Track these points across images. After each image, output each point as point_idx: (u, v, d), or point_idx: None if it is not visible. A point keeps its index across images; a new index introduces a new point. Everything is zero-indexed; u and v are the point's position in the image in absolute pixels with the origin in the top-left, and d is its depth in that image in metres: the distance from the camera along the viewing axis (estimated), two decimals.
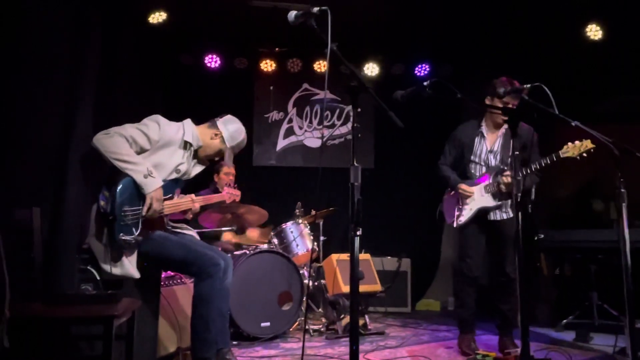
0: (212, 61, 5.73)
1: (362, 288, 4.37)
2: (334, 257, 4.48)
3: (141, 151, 2.57)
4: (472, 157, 3.38)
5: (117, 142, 2.45)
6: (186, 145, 2.74)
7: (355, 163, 1.82)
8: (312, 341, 3.78)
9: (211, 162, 3.00)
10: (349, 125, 5.84)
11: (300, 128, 6.12)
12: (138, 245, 2.52)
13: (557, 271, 4.61)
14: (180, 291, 3.28)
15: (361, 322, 4.05)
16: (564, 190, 5.30)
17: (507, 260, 3.28)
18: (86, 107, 2.94)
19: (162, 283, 3.02)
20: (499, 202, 3.27)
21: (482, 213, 3.32)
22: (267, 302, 3.81)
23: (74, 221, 2.54)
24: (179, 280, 3.34)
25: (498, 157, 3.34)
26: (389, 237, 5.63)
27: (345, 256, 4.24)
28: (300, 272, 4.02)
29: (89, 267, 2.46)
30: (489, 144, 3.37)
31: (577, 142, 2.95)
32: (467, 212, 3.33)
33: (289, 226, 4.30)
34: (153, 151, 2.61)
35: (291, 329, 3.98)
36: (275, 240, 4.29)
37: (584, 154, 2.93)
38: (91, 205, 2.50)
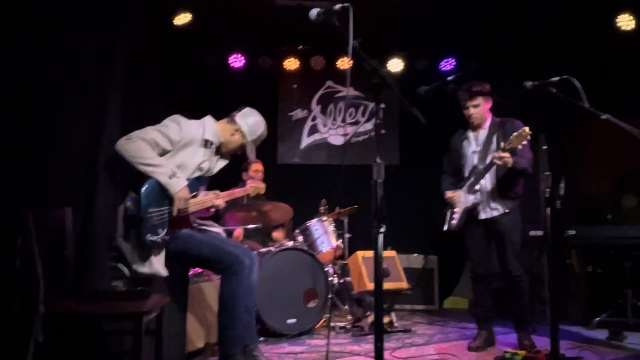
0: (237, 61, 5.78)
1: (388, 285, 4.36)
2: (360, 254, 4.48)
3: (163, 152, 2.61)
4: (462, 161, 3.48)
5: (140, 147, 2.49)
6: (207, 143, 2.76)
7: (378, 160, 1.81)
8: (338, 338, 3.78)
9: (235, 157, 3.02)
10: (374, 121, 5.82)
11: (324, 126, 6.12)
12: (166, 244, 2.57)
13: (590, 268, 4.49)
14: (207, 288, 3.33)
15: (387, 319, 4.04)
16: (596, 185, 5.17)
17: (506, 257, 3.29)
18: (114, 110, 3.00)
19: (189, 280, 3.07)
20: (476, 201, 3.34)
21: (472, 213, 3.38)
22: (293, 299, 3.83)
23: (105, 220, 2.59)
24: (206, 277, 3.39)
25: (479, 155, 3.38)
26: (415, 234, 5.58)
27: (370, 253, 4.20)
28: (325, 269, 4.02)
29: (118, 265, 2.52)
30: (474, 144, 3.45)
31: (516, 133, 3.02)
32: (457, 216, 3.42)
33: (314, 223, 4.31)
34: (175, 151, 2.65)
35: (317, 326, 4.00)
36: (300, 238, 4.31)
37: (524, 142, 2.99)
38: (122, 203, 2.55)
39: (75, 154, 2.57)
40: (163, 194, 2.55)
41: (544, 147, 2.27)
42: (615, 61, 4.77)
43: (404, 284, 4.51)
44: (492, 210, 3.34)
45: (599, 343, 3.55)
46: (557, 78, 2.43)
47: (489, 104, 3.42)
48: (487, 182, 3.34)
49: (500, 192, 3.32)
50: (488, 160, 3.25)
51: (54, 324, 2.04)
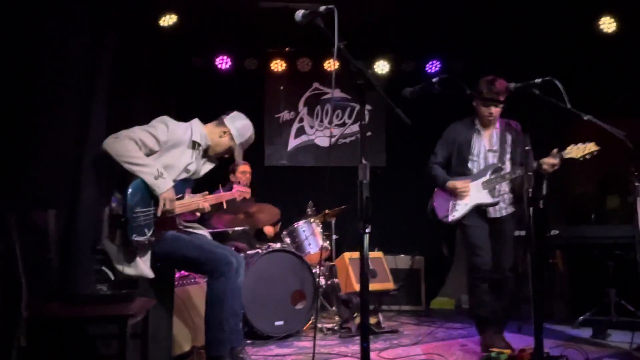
0: (223, 62, 5.78)
1: (375, 286, 4.38)
2: (347, 255, 4.49)
3: (150, 153, 2.59)
4: (470, 156, 3.37)
5: (127, 146, 2.48)
6: (194, 145, 2.76)
7: (363, 161, 1.82)
8: (326, 340, 3.78)
9: (221, 161, 3.02)
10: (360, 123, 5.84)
11: (312, 127, 6.13)
12: (151, 245, 2.56)
13: (574, 267, 4.55)
14: (194, 290, 3.31)
15: (375, 320, 4.05)
16: (580, 186, 5.24)
17: (503, 256, 3.27)
18: (100, 111, 2.98)
19: (176, 283, 3.05)
20: (496, 199, 3.28)
21: (481, 210, 3.31)
22: (280, 301, 3.82)
23: (89, 223, 2.57)
24: (192, 280, 3.37)
25: (497, 155, 3.34)
26: (402, 235, 5.62)
27: (357, 254, 4.20)
28: (313, 270, 4.03)
29: (103, 268, 2.50)
30: (487, 142, 3.38)
31: (580, 145, 2.95)
32: (461, 208, 3.29)
33: (301, 225, 4.31)
34: (162, 152, 2.63)
35: (305, 328, 3.99)
36: (288, 240, 4.30)
37: (587, 156, 2.94)
38: (105, 205, 2.54)
39: (58, 156, 2.55)
40: (149, 195, 2.53)
41: (527, 148, 2.30)
42: (597, 63, 4.85)
43: (390, 285, 4.53)
44: (503, 210, 3.32)
45: (583, 341, 3.59)
46: (540, 80, 2.46)
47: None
48: (504, 184, 3.29)
49: (512, 195, 3.32)
50: (513, 168, 3.22)
51: (38, 328, 2.01)
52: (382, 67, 5.87)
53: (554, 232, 4.26)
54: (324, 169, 5.86)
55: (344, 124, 6.13)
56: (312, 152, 6.11)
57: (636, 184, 2.52)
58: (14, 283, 1.93)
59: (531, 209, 2.17)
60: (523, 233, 3.97)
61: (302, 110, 6.13)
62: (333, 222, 4.73)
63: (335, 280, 4.33)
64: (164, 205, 2.54)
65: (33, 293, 2.01)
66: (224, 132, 2.86)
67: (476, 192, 3.28)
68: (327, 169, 5.27)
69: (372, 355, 3.25)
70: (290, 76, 6.02)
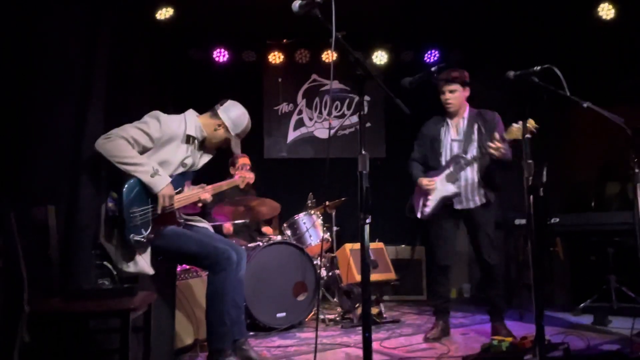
0: (220, 55, 5.75)
1: (376, 277, 4.39)
2: (347, 246, 4.50)
3: (144, 150, 2.55)
4: (440, 149, 3.43)
5: (119, 145, 2.43)
6: (189, 139, 2.71)
7: (362, 151, 1.82)
8: (328, 330, 3.80)
9: (220, 151, 2.97)
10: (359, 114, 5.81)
11: (310, 119, 6.11)
12: (150, 243, 2.54)
13: (574, 255, 4.56)
14: (196, 284, 3.32)
15: (376, 310, 4.06)
16: (580, 173, 5.24)
17: (482, 247, 3.32)
18: (97, 106, 2.97)
19: (177, 276, 3.05)
20: (458, 190, 3.31)
21: (447, 202, 3.36)
22: (282, 293, 3.83)
23: (89, 218, 2.56)
24: (194, 274, 3.38)
25: (461, 144, 3.37)
26: (403, 226, 5.61)
27: (358, 246, 4.23)
28: (314, 262, 4.04)
29: (104, 263, 2.50)
30: (454, 132, 3.42)
31: (520, 123, 2.89)
32: (431, 203, 3.37)
33: (302, 217, 4.32)
34: (156, 149, 2.59)
35: (307, 319, 4.01)
36: (288, 232, 4.31)
37: (528, 135, 2.90)
38: (105, 202, 2.53)
39: (57, 151, 2.54)
40: (145, 193, 2.50)
41: (527, 136, 2.29)
42: (596, 50, 4.83)
43: (392, 275, 4.54)
44: (470, 201, 3.34)
45: (585, 328, 3.61)
46: (539, 67, 2.45)
47: (467, 93, 3.41)
48: (469, 173, 3.33)
49: (482, 183, 3.32)
50: (474, 152, 3.26)
51: (40, 323, 2.02)
52: (380, 57, 5.84)
53: (554, 219, 4.26)
54: (324, 160, 5.85)
55: (343, 116, 6.11)
56: (312, 144, 6.10)
57: (636, 170, 2.52)
58: (15, 279, 1.93)
59: (531, 196, 2.17)
60: (523, 221, 3.98)
61: (301, 102, 6.11)
62: (333, 213, 4.74)
63: (337, 271, 4.34)
64: (164, 202, 2.52)
65: (34, 289, 2.01)
66: (219, 125, 2.81)
67: (441, 186, 3.35)
68: (327, 161, 5.27)
69: (374, 344, 3.26)
70: (289, 68, 6.00)
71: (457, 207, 3.35)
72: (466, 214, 3.36)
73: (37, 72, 2.55)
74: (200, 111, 2.90)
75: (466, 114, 3.42)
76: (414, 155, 3.60)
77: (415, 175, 3.48)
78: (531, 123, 2.91)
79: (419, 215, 3.46)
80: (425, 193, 3.39)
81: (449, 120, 3.45)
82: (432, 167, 3.45)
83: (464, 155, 3.31)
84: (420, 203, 3.44)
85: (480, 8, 4.97)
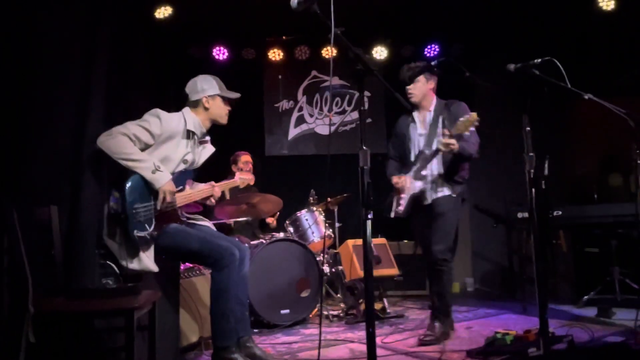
0: (220, 53, 5.75)
1: (379, 272, 4.39)
2: (350, 242, 4.50)
3: (145, 147, 2.58)
4: (409, 145, 3.39)
5: (121, 142, 2.46)
6: (189, 134, 2.74)
7: (363, 147, 1.81)
8: (332, 326, 3.81)
9: (220, 150, 2.98)
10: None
11: (311, 116, 6.11)
12: (154, 239, 2.56)
13: (577, 247, 4.56)
14: (199, 282, 3.32)
15: (380, 306, 4.07)
16: (582, 165, 5.23)
17: (434, 238, 3.23)
18: (98, 104, 2.97)
19: (181, 275, 3.06)
20: (424, 187, 3.28)
21: (418, 200, 3.31)
22: (285, 289, 3.84)
23: (92, 217, 2.56)
24: (197, 272, 3.38)
25: (425, 137, 3.31)
26: (406, 221, 5.60)
27: (360, 241, 4.23)
28: (317, 258, 4.04)
29: (108, 262, 2.50)
30: (420, 126, 3.38)
31: (464, 117, 2.94)
32: (403, 202, 3.33)
33: (304, 214, 4.32)
34: (157, 145, 2.61)
35: (311, 315, 4.02)
36: (291, 229, 4.31)
37: (470, 128, 2.94)
38: (107, 201, 2.53)
39: (59, 151, 2.54)
40: (147, 190, 2.52)
41: (528, 129, 2.29)
42: (596, 42, 4.81)
43: (395, 271, 4.55)
44: (435, 193, 3.28)
45: (588, 320, 3.61)
46: (540, 60, 2.44)
47: (431, 85, 3.35)
48: (434, 166, 3.27)
49: (446, 177, 3.26)
50: (434, 146, 3.18)
51: (45, 323, 2.02)
52: (380, 52, 5.83)
53: (557, 212, 4.26)
54: (325, 157, 5.85)
55: (343, 112, 6.11)
56: (313, 141, 6.09)
57: (638, 162, 2.51)
58: (19, 279, 1.93)
59: (533, 190, 2.16)
60: (526, 215, 3.97)
61: (302, 99, 6.11)
62: (336, 210, 4.74)
63: (340, 267, 4.34)
64: (164, 198, 2.53)
65: (39, 289, 2.02)
66: (207, 102, 2.80)
67: (410, 184, 3.30)
68: (328, 157, 5.26)
69: (378, 340, 3.27)
70: (289, 65, 5.99)
71: (425, 203, 3.30)
72: (433, 205, 3.28)
73: (37, 72, 2.55)
74: None
75: (432, 107, 3.35)
76: (390, 154, 3.58)
77: (388, 174, 3.45)
78: (473, 117, 2.91)
79: (392, 215, 3.41)
80: (399, 192, 3.35)
81: (416, 115, 3.39)
82: (407, 164, 3.40)
83: (426, 150, 3.25)
84: (394, 202, 3.40)
85: (480, 2, 4.95)
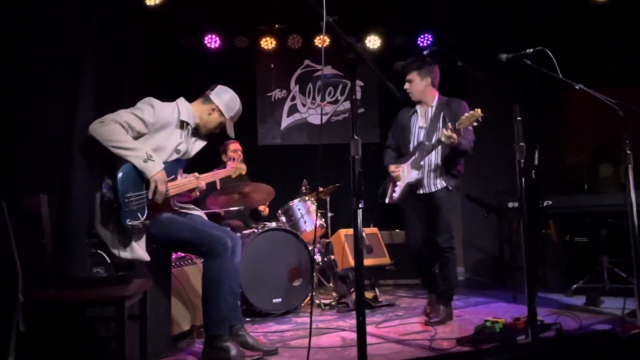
0: (212, 41, 5.70)
1: (371, 261, 4.42)
2: (342, 232, 4.52)
3: (138, 136, 2.56)
4: (409, 136, 3.54)
5: (113, 130, 2.45)
6: (183, 124, 2.73)
7: (355, 136, 1.81)
8: (324, 315, 3.83)
9: (212, 137, 2.98)
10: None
11: (304, 105, 6.09)
12: (146, 228, 2.55)
13: (567, 237, 4.60)
14: (191, 271, 3.33)
15: (372, 295, 4.10)
16: (572, 155, 5.26)
17: (437, 230, 3.40)
18: (88, 93, 2.94)
19: (172, 264, 3.06)
20: (420, 176, 3.42)
21: (413, 189, 3.47)
22: (277, 279, 3.85)
23: (82, 206, 2.55)
24: (189, 261, 3.38)
25: (425, 131, 3.47)
26: (397, 211, 5.63)
27: (352, 231, 4.26)
28: (309, 248, 4.05)
29: (99, 251, 2.50)
30: (422, 120, 3.53)
31: (469, 113, 3.06)
32: (398, 189, 3.50)
33: (296, 203, 4.33)
34: (150, 134, 2.60)
35: (303, 304, 4.04)
36: (283, 218, 4.32)
37: (474, 123, 3.07)
38: (98, 189, 2.52)
39: (48, 139, 2.52)
40: (139, 178, 2.51)
41: (518, 118, 2.29)
42: (588, 32, 4.82)
43: (386, 260, 4.57)
44: (432, 186, 3.44)
45: (577, 309, 3.66)
46: (531, 50, 2.44)
47: (426, 82, 3.46)
48: (432, 159, 3.43)
49: (444, 169, 3.42)
50: (435, 138, 3.34)
51: (36, 313, 2.02)
52: (373, 41, 5.80)
53: (547, 202, 4.29)
54: (318, 146, 5.84)
55: (336, 101, 6.09)
56: (306, 131, 6.08)
57: (628, 152, 2.53)
58: (9, 269, 1.92)
59: (523, 179, 2.18)
60: (516, 204, 4.02)
61: (294, 88, 6.08)
62: (328, 199, 4.75)
63: (332, 257, 4.36)
64: (156, 187, 2.52)
65: (30, 278, 2.01)
66: (213, 109, 2.83)
67: (407, 173, 3.45)
68: (319, 147, 5.26)
69: (370, 328, 3.30)
70: (281, 54, 5.95)
71: (421, 192, 3.46)
72: (429, 197, 3.45)
73: (26, 60, 2.52)
74: (193, 98, 2.90)
75: (434, 103, 3.50)
76: (388, 143, 3.74)
77: (385, 162, 3.64)
78: (477, 112, 3.01)
79: (387, 201, 3.62)
80: (394, 179, 3.53)
81: (418, 109, 3.56)
82: (404, 154, 3.56)
83: (427, 142, 3.40)
84: (390, 189, 3.58)
85: None
